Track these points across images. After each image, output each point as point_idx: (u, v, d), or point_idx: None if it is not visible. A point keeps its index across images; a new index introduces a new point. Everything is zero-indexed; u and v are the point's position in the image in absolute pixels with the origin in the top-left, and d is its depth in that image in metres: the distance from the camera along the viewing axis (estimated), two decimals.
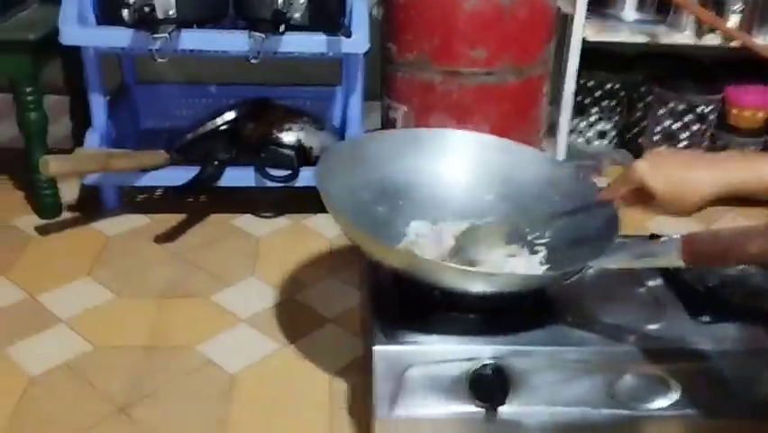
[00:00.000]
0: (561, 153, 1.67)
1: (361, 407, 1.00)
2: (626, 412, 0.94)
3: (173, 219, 1.49)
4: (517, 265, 1.03)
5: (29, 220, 1.47)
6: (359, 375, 1.07)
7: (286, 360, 1.12)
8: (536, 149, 1.20)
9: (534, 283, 0.96)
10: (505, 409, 0.91)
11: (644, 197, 0.85)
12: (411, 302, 0.97)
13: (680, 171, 0.81)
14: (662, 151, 0.88)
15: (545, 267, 1.03)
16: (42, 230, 1.44)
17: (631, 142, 1.83)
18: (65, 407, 1.01)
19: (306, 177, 1.46)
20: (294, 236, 1.48)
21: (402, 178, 1.15)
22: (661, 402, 0.94)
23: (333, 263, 1.38)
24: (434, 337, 0.93)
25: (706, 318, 0.98)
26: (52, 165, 1.25)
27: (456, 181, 1.17)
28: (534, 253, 1.07)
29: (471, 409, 0.92)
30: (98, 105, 1.47)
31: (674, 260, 0.83)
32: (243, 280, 1.32)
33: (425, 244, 1.04)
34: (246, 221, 1.53)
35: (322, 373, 1.10)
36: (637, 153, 1.78)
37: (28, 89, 1.38)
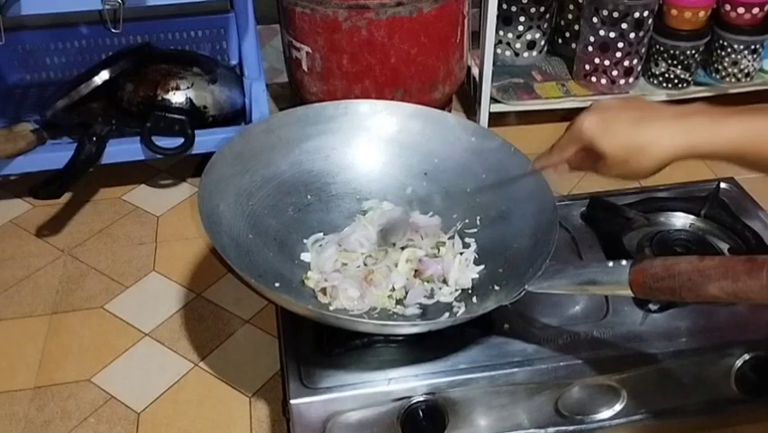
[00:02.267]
0: (488, 68, 1.49)
1: None
2: (575, 427, 0.87)
3: (57, 202, 1.30)
4: (452, 267, 0.91)
5: None
6: (280, 392, 0.96)
7: (198, 384, 1.00)
8: (461, 117, 1.04)
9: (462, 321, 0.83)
10: None
11: (591, 158, 0.72)
12: (330, 337, 0.84)
13: (634, 128, 0.68)
14: (612, 103, 0.72)
15: (480, 268, 0.91)
16: None
17: (563, 49, 1.67)
18: None
19: (203, 143, 1.27)
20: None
21: (307, 167, 0.99)
22: (609, 411, 0.87)
23: None
24: (359, 377, 0.80)
25: (653, 307, 0.89)
26: None
27: (371, 162, 1.01)
28: (466, 246, 0.95)
29: None
30: None
31: (622, 290, 0.72)
32: (143, 278, 1.16)
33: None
34: (141, 195, 1.34)
35: (241, 396, 0.98)
36: (570, 61, 1.62)
37: None
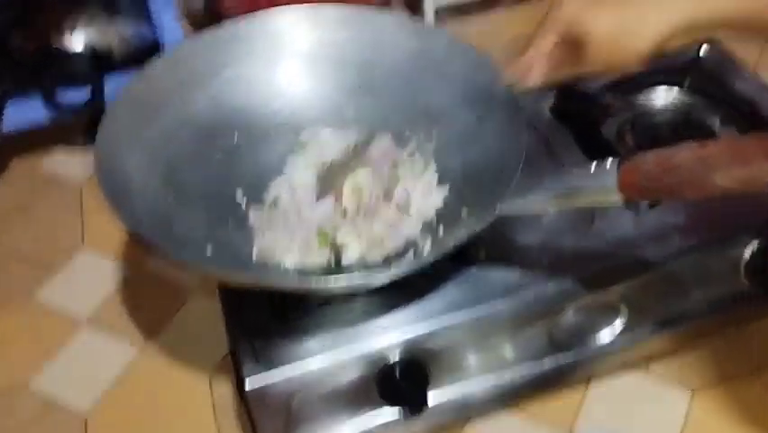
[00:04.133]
0: None
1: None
2: (574, 356, 0.77)
3: None
4: (414, 195, 0.78)
5: None
6: None
7: (150, 370, 0.88)
8: (398, 13, 0.87)
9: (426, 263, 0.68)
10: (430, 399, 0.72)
11: (572, 49, 0.63)
12: (282, 300, 0.72)
13: (620, 9, 0.59)
14: None
15: (444, 190, 0.78)
16: None
17: None
18: None
19: (115, 88, 1.11)
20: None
21: (229, 101, 0.84)
22: (610, 331, 0.77)
23: None
24: (322, 342, 0.69)
25: (643, 207, 0.78)
26: None
27: (302, 85, 0.86)
28: (425, 165, 0.81)
29: (388, 413, 0.73)
30: None
31: (610, 196, 0.59)
32: (73, 257, 1.02)
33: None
34: (59, 161, 1.19)
35: (199, 374, 0.87)
36: None
37: None
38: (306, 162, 0.81)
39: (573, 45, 0.62)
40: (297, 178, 0.80)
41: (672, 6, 0.58)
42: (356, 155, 0.81)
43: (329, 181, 0.78)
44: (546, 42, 0.64)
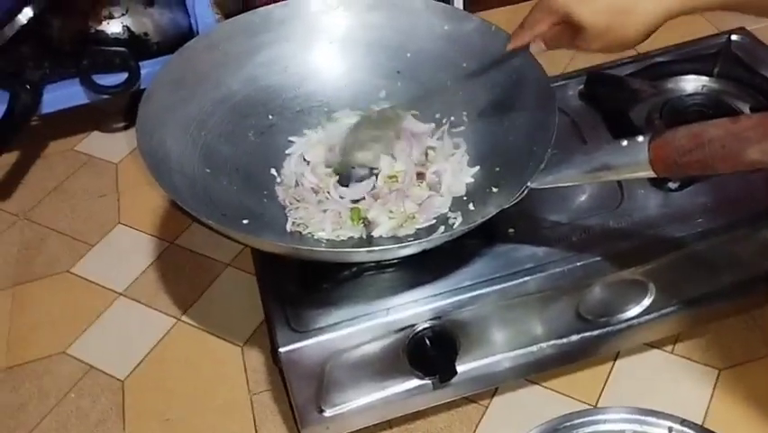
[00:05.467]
0: None
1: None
2: (601, 331, 0.78)
3: (2, 162, 1.18)
4: (444, 175, 0.80)
5: None
6: None
7: (184, 340, 0.91)
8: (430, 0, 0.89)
9: (455, 236, 0.69)
10: (459, 370, 0.74)
11: (569, 32, 0.64)
12: (315, 271, 0.74)
13: None
14: None
15: (474, 170, 0.80)
16: None
17: None
18: None
19: (151, 75, 1.14)
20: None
21: (264, 83, 0.86)
22: (638, 307, 0.78)
23: None
24: (354, 311, 0.70)
25: (673, 185, 0.79)
26: None
27: (335, 68, 0.89)
28: (455, 147, 0.83)
29: (418, 382, 0.75)
30: None
31: (642, 171, 0.61)
32: (109, 233, 1.06)
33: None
34: (95, 142, 1.22)
35: (232, 347, 0.89)
36: None
37: None
38: (316, 139, 0.84)
39: (568, 28, 0.63)
40: (310, 155, 0.83)
41: None
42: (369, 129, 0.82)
43: (348, 157, 0.80)
44: (541, 26, 0.65)
